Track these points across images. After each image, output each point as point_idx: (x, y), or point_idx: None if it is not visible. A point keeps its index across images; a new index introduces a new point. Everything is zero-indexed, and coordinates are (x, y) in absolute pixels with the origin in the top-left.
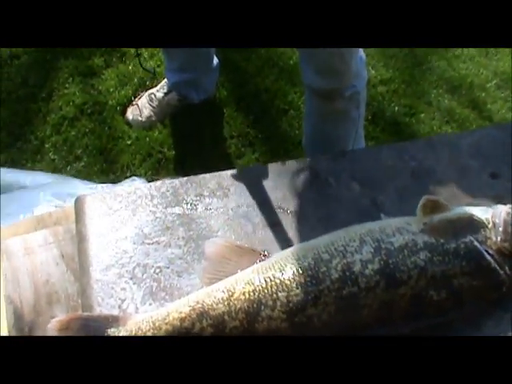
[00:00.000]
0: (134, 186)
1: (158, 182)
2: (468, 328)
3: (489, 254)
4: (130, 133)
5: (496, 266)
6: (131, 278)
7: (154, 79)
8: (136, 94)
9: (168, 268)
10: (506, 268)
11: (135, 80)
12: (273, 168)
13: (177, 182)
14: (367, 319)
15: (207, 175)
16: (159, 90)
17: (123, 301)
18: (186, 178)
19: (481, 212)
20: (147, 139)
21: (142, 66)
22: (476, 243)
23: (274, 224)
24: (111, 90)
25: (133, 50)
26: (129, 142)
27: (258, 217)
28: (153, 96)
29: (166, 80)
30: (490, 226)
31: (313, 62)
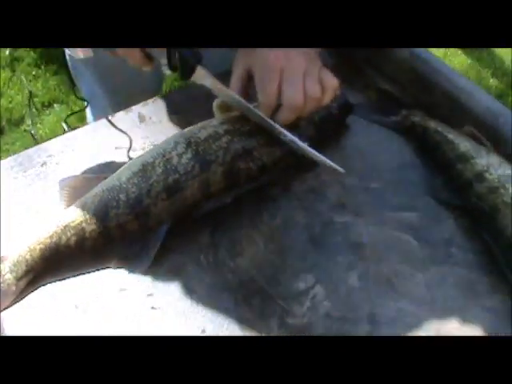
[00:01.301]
0: None
1: (15, 155)
2: (278, 187)
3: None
4: None
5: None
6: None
7: None
8: None
9: (36, 215)
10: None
11: None
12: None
13: (29, 151)
14: (193, 198)
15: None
16: None
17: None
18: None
19: None
20: None
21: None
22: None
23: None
24: None
25: None
26: None
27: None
28: None
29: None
30: None
31: None
